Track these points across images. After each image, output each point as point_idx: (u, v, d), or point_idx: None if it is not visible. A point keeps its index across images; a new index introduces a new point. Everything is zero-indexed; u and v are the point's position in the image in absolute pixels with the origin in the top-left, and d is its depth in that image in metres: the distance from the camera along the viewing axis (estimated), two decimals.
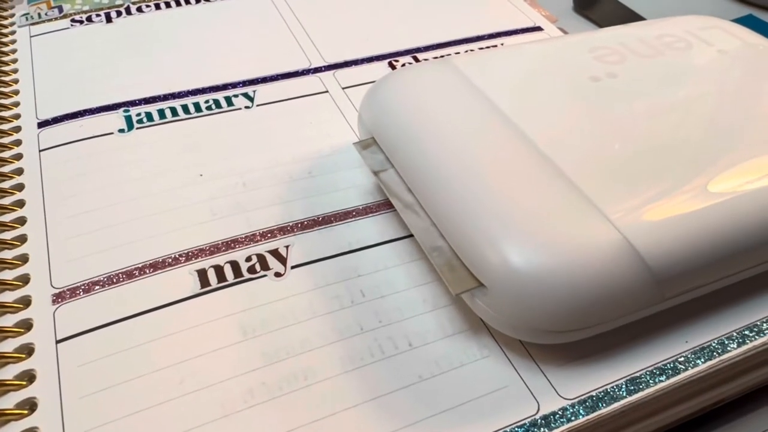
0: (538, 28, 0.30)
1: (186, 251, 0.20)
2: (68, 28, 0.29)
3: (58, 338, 0.18)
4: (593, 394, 0.17)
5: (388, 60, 0.28)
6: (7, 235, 0.20)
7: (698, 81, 0.22)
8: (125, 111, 0.25)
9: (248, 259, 0.20)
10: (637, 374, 0.17)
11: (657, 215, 0.17)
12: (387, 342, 0.18)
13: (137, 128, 0.24)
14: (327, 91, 0.26)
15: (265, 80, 0.27)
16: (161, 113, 0.25)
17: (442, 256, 0.17)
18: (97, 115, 0.25)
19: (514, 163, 0.18)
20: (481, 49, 0.29)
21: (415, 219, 0.18)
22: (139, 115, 0.25)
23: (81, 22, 0.30)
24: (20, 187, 0.22)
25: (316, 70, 0.27)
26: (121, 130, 0.24)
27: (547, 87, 0.21)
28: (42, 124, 0.24)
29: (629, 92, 0.21)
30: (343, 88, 0.26)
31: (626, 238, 0.16)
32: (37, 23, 0.30)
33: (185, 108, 0.25)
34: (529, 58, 0.23)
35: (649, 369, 0.17)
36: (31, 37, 0.29)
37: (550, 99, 0.20)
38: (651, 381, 0.17)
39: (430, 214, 0.18)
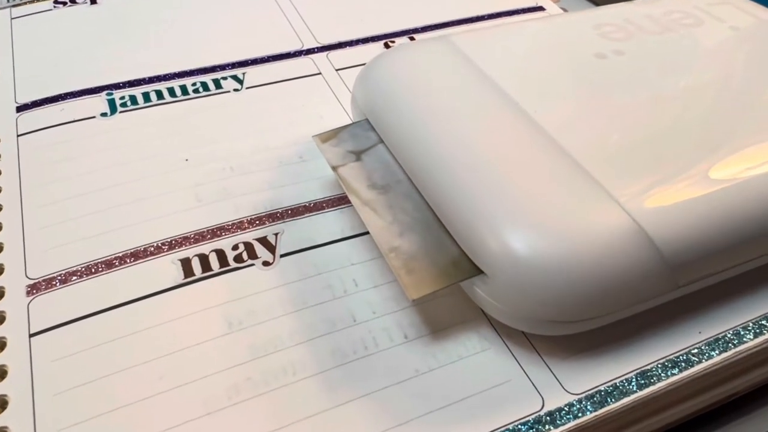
0: (540, 8, 0.29)
1: (169, 239, 0.19)
2: (51, 9, 0.28)
3: (31, 332, 0.17)
4: (601, 388, 0.15)
5: (384, 41, 0.27)
6: None
7: (711, 58, 0.21)
8: (108, 94, 0.24)
9: (235, 247, 0.18)
10: (648, 367, 0.16)
11: (669, 198, 0.16)
12: (381, 334, 0.17)
13: (121, 112, 0.23)
14: (320, 73, 0.25)
15: (255, 62, 0.25)
16: (146, 96, 0.24)
17: (399, 257, 0.16)
18: (79, 98, 0.24)
19: (517, 144, 0.17)
20: None
21: (372, 217, 0.17)
22: (123, 98, 0.24)
23: (64, 3, 0.28)
24: None
25: (309, 51, 0.26)
26: (104, 114, 0.23)
27: (549, 64, 0.20)
28: (21, 108, 0.23)
29: (637, 70, 0.20)
30: (337, 70, 0.25)
31: (636, 222, 0.15)
32: (19, 5, 0.28)
33: (171, 91, 0.24)
34: (530, 36, 0.21)
35: (661, 361, 0.16)
36: (12, 19, 0.28)
37: (552, 77, 0.19)
38: (663, 374, 0.16)
39: (426, 197, 0.17)
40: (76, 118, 0.23)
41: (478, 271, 0.15)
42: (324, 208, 0.20)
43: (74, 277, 0.18)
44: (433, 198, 0.17)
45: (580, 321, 0.15)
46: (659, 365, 0.16)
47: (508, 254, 0.15)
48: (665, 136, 0.17)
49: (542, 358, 0.16)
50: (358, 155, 0.19)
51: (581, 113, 0.18)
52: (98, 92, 0.24)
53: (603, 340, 0.16)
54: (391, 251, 0.16)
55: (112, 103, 0.23)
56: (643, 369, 0.16)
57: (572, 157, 0.16)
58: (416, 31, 0.27)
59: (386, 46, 0.27)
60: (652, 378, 0.16)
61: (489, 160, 0.16)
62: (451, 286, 0.16)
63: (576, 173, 0.16)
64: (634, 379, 0.16)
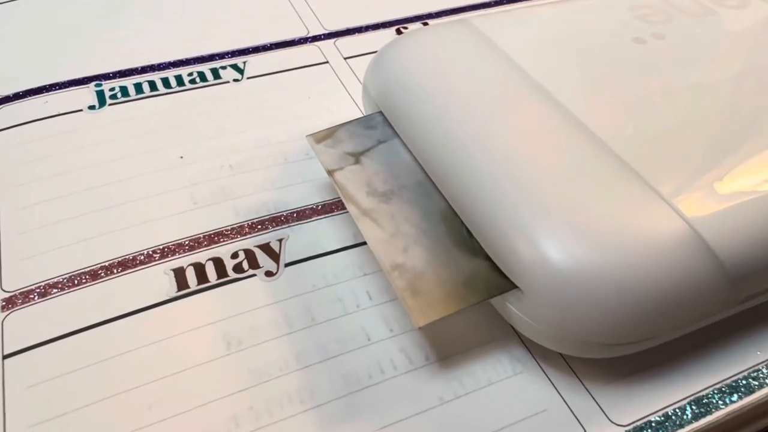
0: None
1: (161, 247, 0.17)
2: None
3: (5, 353, 0.15)
4: (652, 418, 0.14)
5: (396, 27, 0.25)
6: None
7: (760, 41, 0.19)
8: (97, 85, 0.22)
9: (234, 255, 0.17)
10: (703, 393, 0.14)
11: (727, 200, 0.14)
12: (399, 355, 0.15)
13: (110, 105, 0.21)
14: (327, 62, 0.23)
15: (256, 50, 0.23)
16: (138, 88, 0.22)
17: (404, 276, 0.14)
18: (64, 90, 0.22)
19: (553, 138, 0.15)
20: None
21: (372, 229, 0.15)
22: (112, 89, 0.22)
23: None
24: None
25: (315, 38, 0.24)
26: (92, 107, 0.21)
27: (583, 49, 0.18)
28: (1, 101, 0.21)
29: (681, 55, 0.18)
30: (346, 59, 0.23)
31: (693, 227, 0.13)
32: None
33: (165, 82, 0.22)
34: (560, 18, 0.19)
35: (717, 386, 0.14)
36: None
37: (587, 63, 0.17)
38: (720, 402, 0.14)
39: (450, 200, 0.15)
40: (61, 112, 0.21)
41: (508, 287, 0.14)
42: (333, 211, 0.18)
43: (54, 290, 0.16)
44: (457, 201, 0.15)
45: (628, 343, 0.13)
46: (715, 391, 0.14)
47: (546, 266, 0.13)
48: (721, 129, 0.15)
49: (583, 384, 0.14)
50: (356, 157, 0.17)
51: (622, 103, 0.16)
52: (86, 83, 0.22)
53: (651, 362, 0.14)
54: (394, 269, 0.14)
55: (100, 95, 0.21)
56: (697, 396, 0.14)
57: (615, 153, 0.14)
58: (430, 16, 0.25)
59: (398, 32, 0.25)
60: (709, 406, 0.14)
61: (521, 155, 0.14)
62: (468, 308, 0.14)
63: (621, 171, 0.14)
64: (688, 408, 0.14)
